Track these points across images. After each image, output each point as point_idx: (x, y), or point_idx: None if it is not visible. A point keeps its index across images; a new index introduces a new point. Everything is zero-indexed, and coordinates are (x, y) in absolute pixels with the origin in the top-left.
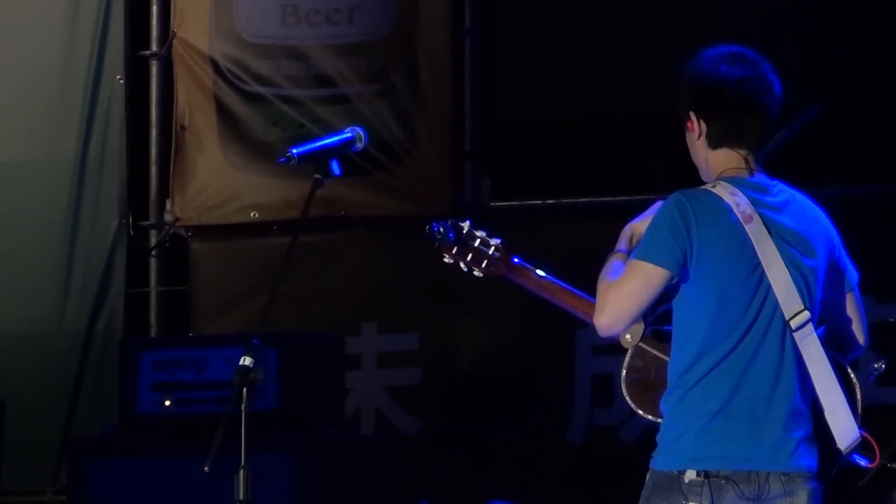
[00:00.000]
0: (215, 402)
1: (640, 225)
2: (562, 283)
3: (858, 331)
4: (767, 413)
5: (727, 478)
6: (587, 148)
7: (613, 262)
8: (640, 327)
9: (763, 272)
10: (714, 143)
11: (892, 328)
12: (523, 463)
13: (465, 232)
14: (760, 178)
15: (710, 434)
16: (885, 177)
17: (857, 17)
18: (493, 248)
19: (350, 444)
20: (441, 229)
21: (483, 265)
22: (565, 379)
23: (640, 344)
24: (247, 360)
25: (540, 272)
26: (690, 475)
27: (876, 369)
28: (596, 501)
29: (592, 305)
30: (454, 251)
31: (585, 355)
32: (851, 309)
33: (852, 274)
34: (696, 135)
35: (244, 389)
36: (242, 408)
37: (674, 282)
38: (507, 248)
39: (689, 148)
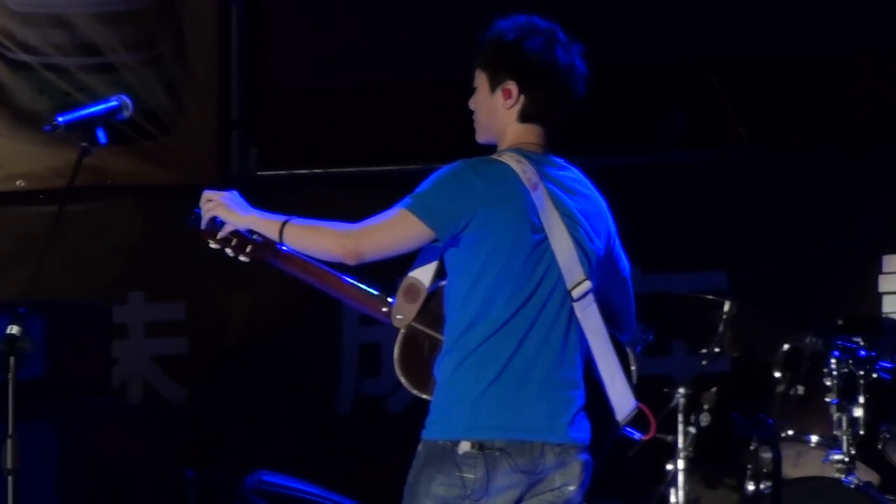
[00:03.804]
0: None
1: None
2: (327, 268)
3: (628, 318)
4: (544, 383)
5: (501, 449)
6: (355, 117)
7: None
8: (414, 307)
9: (547, 241)
10: (525, 118)
11: (658, 299)
12: (292, 433)
13: None
14: (549, 156)
15: (486, 403)
16: (646, 147)
17: None
18: (257, 234)
19: (117, 413)
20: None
21: (248, 250)
22: (332, 349)
23: (413, 323)
24: (13, 329)
25: (305, 256)
26: (465, 446)
27: (644, 340)
28: (366, 471)
29: (356, 289)
30: (219, 237)
31: (352, 325)
32: (623, 297)
33: (625, 263)
34: (509, 104)
35: (11, 358)
36: (10, 377)
37: (437, 244)
38: None
39: (486, 111)
